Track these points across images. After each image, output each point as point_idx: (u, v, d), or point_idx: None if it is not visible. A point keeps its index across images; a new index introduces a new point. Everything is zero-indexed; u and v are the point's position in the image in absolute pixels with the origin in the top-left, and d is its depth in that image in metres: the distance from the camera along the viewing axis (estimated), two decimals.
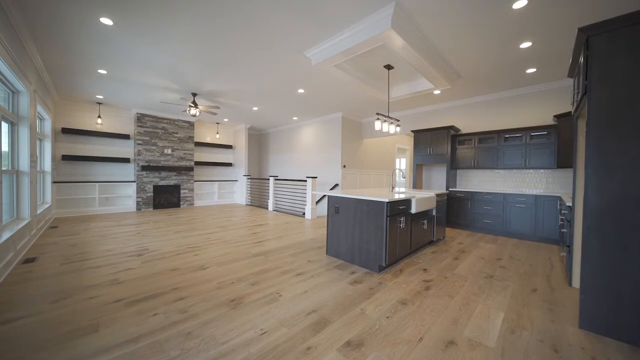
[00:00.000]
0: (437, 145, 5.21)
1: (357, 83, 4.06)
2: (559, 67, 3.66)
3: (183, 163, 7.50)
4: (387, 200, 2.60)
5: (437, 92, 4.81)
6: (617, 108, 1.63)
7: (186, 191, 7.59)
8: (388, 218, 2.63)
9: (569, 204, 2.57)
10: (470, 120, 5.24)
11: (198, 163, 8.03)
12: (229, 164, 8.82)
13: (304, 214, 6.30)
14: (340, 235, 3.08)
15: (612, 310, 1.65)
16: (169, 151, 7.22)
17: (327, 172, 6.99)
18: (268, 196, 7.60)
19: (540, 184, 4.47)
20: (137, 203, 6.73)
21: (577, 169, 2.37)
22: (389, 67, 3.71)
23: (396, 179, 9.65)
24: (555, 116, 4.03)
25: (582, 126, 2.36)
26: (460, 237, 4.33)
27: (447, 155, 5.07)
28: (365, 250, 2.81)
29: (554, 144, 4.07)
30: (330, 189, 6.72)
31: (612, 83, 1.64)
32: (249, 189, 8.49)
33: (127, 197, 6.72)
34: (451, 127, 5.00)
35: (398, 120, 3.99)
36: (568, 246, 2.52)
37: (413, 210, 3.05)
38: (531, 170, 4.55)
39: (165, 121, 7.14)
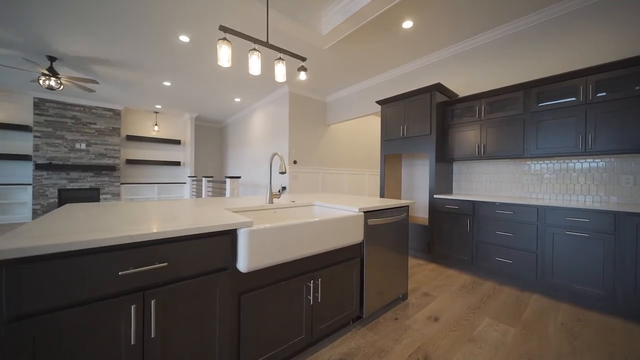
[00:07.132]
0: (415, 121, 3.07)
1: None
2: None
3: (104, 161, 5.95)
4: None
5: (408, 24, 2.71)
6: None
7: (109, 196, 6.03)
8: None
9: None
10: (471, 77, 3.05)
11: (131, 161, 6.47)
12: (177, 163, 7.18)
13: None
14: None
15: None
16: (83, 146, 5.71)
17: (274, 169, 5.05)
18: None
19: (620, 188, 2.19)
20: (35, 212, 5.26)
21: None
22: None
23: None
24: None
25: None
26: (444, 292, 2.18)
27: (430, 138, 2.92)
28: None
29: None
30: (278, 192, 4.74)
31: None
32: (194, 194, 6.78)
33: (21, 204, 5.28)
34: (436, 88, 2.85)
35: (304, 60, 1.98)
36: None
37: (242, 265, 1.04)
38: (598, 160, 2.28)
39: (77, 108, 5.64)
